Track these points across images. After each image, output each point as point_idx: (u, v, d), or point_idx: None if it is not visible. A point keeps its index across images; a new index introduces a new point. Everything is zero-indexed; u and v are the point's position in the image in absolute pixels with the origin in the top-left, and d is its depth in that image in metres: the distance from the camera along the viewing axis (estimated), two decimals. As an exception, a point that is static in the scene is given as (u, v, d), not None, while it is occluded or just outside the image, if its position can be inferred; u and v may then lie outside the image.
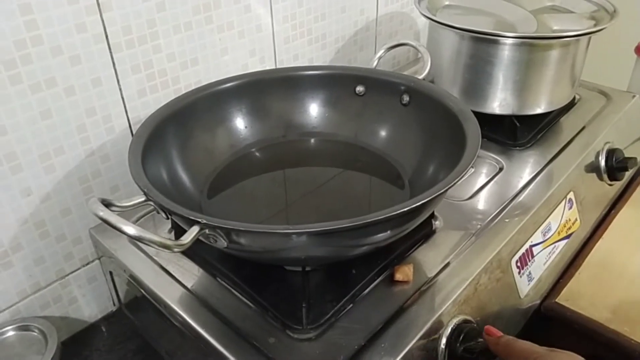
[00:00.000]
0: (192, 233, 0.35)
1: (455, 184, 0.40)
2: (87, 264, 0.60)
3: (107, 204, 0.35)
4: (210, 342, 0.42)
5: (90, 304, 0.62)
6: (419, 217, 0.42)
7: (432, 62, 0.73)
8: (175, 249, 0.34)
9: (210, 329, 0.44)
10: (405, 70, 0.87)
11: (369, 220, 0.36)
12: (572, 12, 0.72)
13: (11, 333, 0.53)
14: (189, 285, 0.48)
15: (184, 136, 0.51)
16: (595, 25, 0.66)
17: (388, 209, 0.37)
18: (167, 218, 0.41)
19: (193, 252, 0.51)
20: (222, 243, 0.38)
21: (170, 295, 0.47)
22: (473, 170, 0.63)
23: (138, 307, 0.56)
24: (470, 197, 0.59)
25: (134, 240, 0.34)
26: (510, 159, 0.65)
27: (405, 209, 0.37)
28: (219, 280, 0.48)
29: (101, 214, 0.33)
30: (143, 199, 0.39)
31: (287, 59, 0.72)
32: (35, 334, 0.53)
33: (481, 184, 0.61)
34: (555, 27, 0.67)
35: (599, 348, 0.53)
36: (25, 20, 0.46)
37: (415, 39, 0.92)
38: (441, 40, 0.71)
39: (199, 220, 0.35)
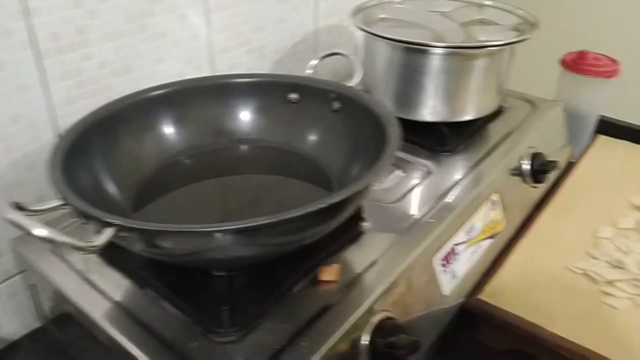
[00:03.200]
0: (105, 235, 0.35)
1: (371, 181, 0.42)
2: (9, 278, 0.58)
3: (21, 207, 0.35)
4: (130, 352, 0.42)
5: (12, 321, 0.59)
6: (338, 214, 0.44)
7: (367, 73, 0.76)
8: (88, 250, 0.34)
9: (132, 338, 0.43)
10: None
11: (287, 217, 0.38)
12: (498, 24, 0.76)
13: None
14: (114, 296, 0.47)
15: (110, 144, 0.51)
16: (517, 36, 0.69)
17: (305, 205, 0.38)
18: (85, 222, 0.41)
19: (119, 261, 0.51)
20: (139, 246, 0.38)
21: (94, 308, 0.46)
22: (404, 175, 0.66)
23: (63, 321, 0.54)
24: (399, 200, 0.61)
25: (45, 242, 0.34)
26: (439, 163, 0.68)
27: (320, 207, 0.38)
28: (144, 288, 0.48)
29: (10, 216, 0.33)
30: (58, 202, 0.39)
31: (225, 69, 0.73)
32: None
33: (409, 187, 0.63)
34: (481, 38, 0.71)
35: (520, 341, 0.56)
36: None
37: (354, 51, 0.95)
38: (376, 51, 0.73)
39: (113, 221, 0.36)
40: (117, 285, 0.49)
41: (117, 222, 0.36)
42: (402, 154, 0.70)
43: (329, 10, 0.86)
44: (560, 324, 0.55)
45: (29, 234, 0.33)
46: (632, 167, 0.82)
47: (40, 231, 0.33)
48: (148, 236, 0.37)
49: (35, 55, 0.53)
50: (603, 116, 0.94)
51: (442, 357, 0.57)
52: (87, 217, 0.37)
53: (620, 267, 0.62)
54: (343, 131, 0.56)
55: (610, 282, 0.60)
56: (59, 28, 0.54)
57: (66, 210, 0.40)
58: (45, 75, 0.54)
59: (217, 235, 0.38)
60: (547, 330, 0.54)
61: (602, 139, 0.91)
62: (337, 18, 0.89)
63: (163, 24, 0.63)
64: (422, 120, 0.72)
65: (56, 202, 0.39)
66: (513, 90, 0.87)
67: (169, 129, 0.57)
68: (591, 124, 0.94)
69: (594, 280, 0.61)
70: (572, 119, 0.91)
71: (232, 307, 0.44)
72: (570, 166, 0.84)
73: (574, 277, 0.61)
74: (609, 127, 0.94)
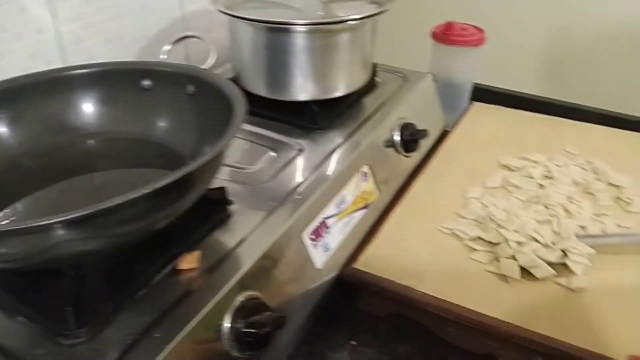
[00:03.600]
0: None
1: (212, 156, 0.41)
2: None
3: None
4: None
5: None
6: (185, 194, 0.42)
7: (235, 57, 0.75)
8: None
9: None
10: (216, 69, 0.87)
11: (110, 205, 0.36)
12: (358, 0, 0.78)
13: None
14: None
15: None
16: (375, 9, 0.71)
17: (139, 188, 0.37)
18: None
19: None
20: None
21: None
22: (275, 155, 0.66)
23: None
24: (269, 180, 0.61)
25: None
26: (312, 141, 0.68)
27: (157, 187, 0.37)
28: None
29: None
30: None
31: (80, 60, 0.68)
32: None
33: (280, 166, 0.63)
34: (340, 14, 0.72)
35: (395, 305, 0.58)
36: None
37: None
38: (240, 34, 0.72)
39: None
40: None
41: None
42: (275, 135, 0.70)
43: (195, -6, 0.84)
44: (430, 283, 0.57)
45: None
46: (503, 129, 0.87)
47: None
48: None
49: None
50: (477, 84, 0.99)
51: (324, 327, 0.57)
52: None
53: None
54: (197, 114, 0.55)
55: (474, 239, 0.63)
56: None
57: None
58: None
59: (42, 231, 0.36)
60: (417, 291, 0.56)
61: (476, 105, 0.96)
62: (205, 2, 0.87)
63: (-1, 17, 0.58)
64: (294, 100, 0.72)
65: None
66: (388, 65, 0.90)
67: (3, 131, 0.53)
68: (466, 92, 0.99)
69: (460, 238, 0.63)
70: (448, 88, 0.95)
71: (78, 307, 0.42)
72: (445, 134, 0.87)
73: (443, 238, 0.64)
74: (484, 94, 0.99)
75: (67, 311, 0.41)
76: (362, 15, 0.68)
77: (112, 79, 0.56)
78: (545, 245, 0.60)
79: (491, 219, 0.65)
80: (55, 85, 0.55)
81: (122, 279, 0.46)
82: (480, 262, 0.60)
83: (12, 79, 0.54)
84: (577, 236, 0.61)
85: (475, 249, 0.62)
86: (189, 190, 0.43)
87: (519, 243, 0.60)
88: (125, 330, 0.42)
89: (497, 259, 0.60)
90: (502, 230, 0.62)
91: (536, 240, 0.60)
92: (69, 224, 0.37)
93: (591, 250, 0.60)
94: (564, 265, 0.59)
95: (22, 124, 0.53)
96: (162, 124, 0.57)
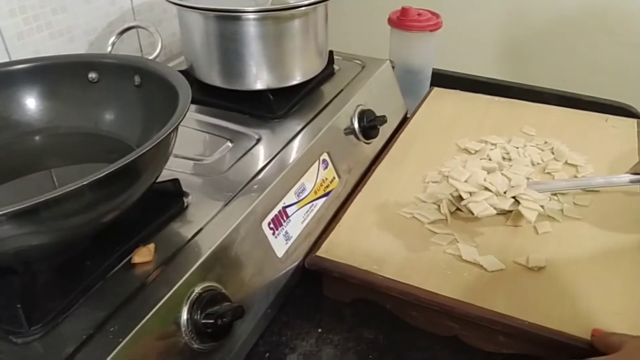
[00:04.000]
0: None
1: (154, 143, 0.40)
2: None
3: None
4: None
5: None
6: (131, 184, 0.41)
7: (187, 47, 0.73)
8: None
9: None
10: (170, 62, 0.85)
11: (67, 191, 0.35)
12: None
13: None
14: None
15: None
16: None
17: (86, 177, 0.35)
18: None
19: None
20: None
21: None
22: (231, 145, 0.64)
23: None
24: (226, 171, 0.60)
25: None
26: (269, 130, 0.68)
27: (100, 176, 0.36)
28: None
29: None
30: None
31: (26, 55, 0.66)
32: None
33: (238, 157, 0.62)
34: (290, 1, 0.71)
35: (359, 290, 0.58)
36: None
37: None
38: (191, 25, 0.71)
39: None
40: None
41: None
42: (231, 125, 0.68)
43: (145, -15, 0.82)
44: (391, 268, 0.57)
45: None
46: (462, 113, 0.88)
47: None
48: None
49: None
50: (437, 69, 1.00)
51: (290, 316, 0.57)
52: None
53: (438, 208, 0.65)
54: (143, 104, 0.53)
55: (433, 222, 0.63)
56: None
57: None
58: None
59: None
60: (378, 275, 0.56)
61: (436, 90, 0.96)
62: (158, -6, 0.85)
63: None
64: (250, 89, 0.71)
65: None
66: (347, 52, 0.89)
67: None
68: (426, 78, 0.99)
69: (421, 222, 0.64)
70: (407, 74, 0.96)
71: (30, 304, 0.40)
72: (405, 120, 0.87)
73: (403, 222, 0.64)
74: (444, 79, 1.00)
75: (17, 309, 0.39)
76: (311, 0, 0.67)
77: (56, 73, 0.54)
78: (497, 194, 0.61)
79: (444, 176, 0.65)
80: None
81: (75, 274, 0.44)
82: (441, 244, 0.60)
83: None
84: (527, 185, 0.63)
85: (435, 232, 0.62)
86: (135, 180, 0.42)
87: (470, 193, 0.60)
88: (80, 325, 0.41)
89: (456, 240, 0.60)
90: (453, 182, 0.62)
91: (488, 190, 0.61)
92: (12, 216, 0.35)
93: (541, 196, 0.61)
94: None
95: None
96: (109, 116, 0.55)
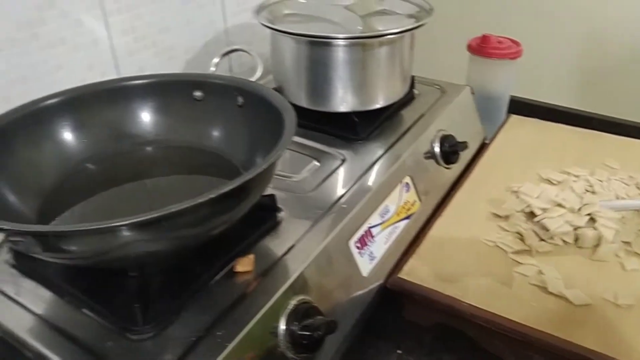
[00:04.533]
0: (-8, 241, 0.34)
1: (268, 165, 0.42)
2: None
3: None
4: (45, 355, 0.41)
5: None
6: (242, 200, 0.44)
7: (277, 69, 0.77)
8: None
9: (47, 343, 0.43)
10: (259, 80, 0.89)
11: (187, 206, 0.38)
12: (397, 13, 0.79)
13: None
14: (27, 305, 0.47)
15: (6, 157, 0.50)
16: (414, 23, 0.72)
17: (204, 194, 0.38)
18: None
19: (32, 270, 0.50)
20: (37, 250, 0.37)
21: (7, 317, 0.46)
22: (318, 165, 0.67)
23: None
24: (314, 189, 0.62)
25: None
26: (353, 151, 0.70)
27: (221, 192, 0.39)
28: (59, 295, 0.48)
29: None
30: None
31: (132, 72, 0.71)
32: None
33: (324, 176, 0.64)
34: (379, 28, 0.73)
35: (441, 315, 0.58)
36: None
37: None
38: (282, 47, 0.74)
39: (2, 227, 0.35)
40: (31, 294, 0.48)
41: (6, 227, 0.34)
42: (318, 145, 0.71)
43: (236, 8, 0.87)
44: (474, 294, 0.57)
45: None
46: (541, 143, 0.87)
47: None
48: (40, 239, 0.36)
49: None
50: (514, 96, 1.00)
51: (371, 335, 0.58)
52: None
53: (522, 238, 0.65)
54: (248, 124, 0.57)
55: (517, 252, 0.63)
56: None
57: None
58: None
59: (117, 232, 0.38)
60: (462, 302, 0.56)
61: (514, 118, 0.96)
62: (247, 15, 0.89)
63: (57, 30, 0.61)
64: (335, 111, 0.73)
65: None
66: (426, 77, 0.91)
67: (67, 137, 0.56)
68: (503, 104, 0.99)
69: (504, 251, 0.64)
70: (485, 101, 0.96)
71: (145, 304, 0.44)
72: (484, 146, 0.87)
73: (486, 249, 0.64)
74: (521, 107, 1.00)
75: (136, 308, 0.42)
76: (401, 29, 0.70)
77: (167, 90, 0.59)
78: (571, 210, 0.59)
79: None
80: (115, 95, 0.57)
81: (183, 279, 0.47)
82: (526, 275, 0.60)
83: (77, 88, 0.57)
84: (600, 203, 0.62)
85: (519, 263, 0.62)
86: (247, 197, 0.44)
87: (543, 209, 0.60)
88: (189, 327, 0.44)
89: (541, 272, 0.60)
90: (524, 197, 0.62)
91: (561, 206, 0.60)
92: (136, 226, 0.39)
93: (617, 215, 0.59)
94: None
95: (85, 131, 0.56)
96: (214, 133, 0.59)
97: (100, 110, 0.57)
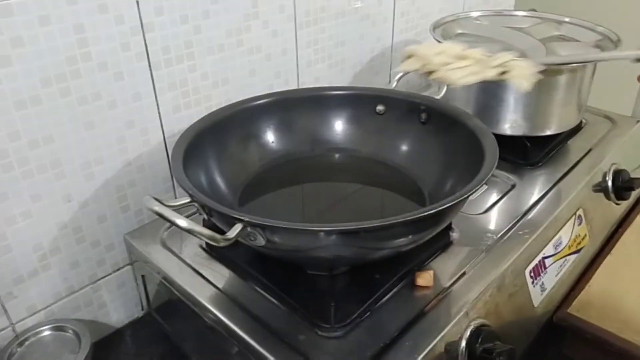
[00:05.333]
0: (236, 230, 0.38)
1: (472, 193, 0.43)
2: (118, 269, 0.62)
3: (159, 202, 0.39)
4: (243, 339, 0.45)
5: (118, 310, 0.64)
6: (437, 224, 0.45)
7: (447, 86, 0.77)
8: (222, 243, 0.37)
9: (243, 326, 0.46)
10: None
11: (390, 222, 0.40)
12: (578, 40, 0.77)
13: (47, 332, 0.56)
14: (220, 286, 0.51)
15: (220, 147, 0.55)
16: (601, 52, 0.69)
17: (408, 213, 0.40)
18: (208, 218, 0.44)
19: (223, 256, 0.54)
20: (261, 241, 0.41)
21: (204, 295, 0.50)
22: (486, 187, 0.66)
23: (168, 310, 0.58)
24: (485, 212, 0.62)
25: (185, 231, 0.37)
26: (521, 177, 0.68)
27: (423, 214, 0.40)
28: (249, 282, 0.51)
29: (156, 208, 0.37)
30: (188, 200, 0.42)
31: (309, 81, 0.76)
32: (70, 334, 0.56)
33: (495, 199, 0.64)
34: (562, 54, 0.71)
35: (610, 357, 0.55)
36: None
37: (427, 65, 0.97)
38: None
39: (242, 218, 0.39)
40: (223, 277, 0.52)
41: (245, 218, 0.38)
42: (483, 167, 0.70)
43: (404, 25, 0.89)
44: (654, 341, 0.54)
45: (173, 224, 0.36)
46: None
47: (183, 222, 0.36)
48: (269, 232, 0.40)
49: (149, 67, 0.57)
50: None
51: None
52: (215, 213, 0.40)
53: None
54: (433, 143, 0.58)
55: None
56: (169, 42, 0.58)
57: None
58: (155, 85, 0.58)
59: (326, 235, 0.41)
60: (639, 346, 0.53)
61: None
62: (412, 33, 0.91)
63: (257, 39, 0.66)
64: (504, 133, 0.72)
65: (185, 200, 0.42)
66: (591, 106, 0.87)
67: (269, 136, 0.61)
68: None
69: (685, 299, 0.59)
70: (651, 136, 0.90)
71: (336, 304, 0.46)
72: (652, 185, 0.82)
73: (664, 294, 0.60)
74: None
75: (332, 307, 0.45)
76: (590, 59, 0.67)
77: (356, 102, 0.62)
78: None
79: None
80: (315, 102, 0.62)
81: (365, 285, 0.49)
82: None
83: (284, 92, 0.62)
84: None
85: None
86: (441, 221, 0.45)
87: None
88: (374, 333, 0.45)
89: None
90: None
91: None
92: (339, 233, 0.41)
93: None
94: None
95: (286, 131, 0.61)
96: (400, 148, 0.61)
97: (300, 115, 0.61)
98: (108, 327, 0.64)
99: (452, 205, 0.42)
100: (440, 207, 0.41)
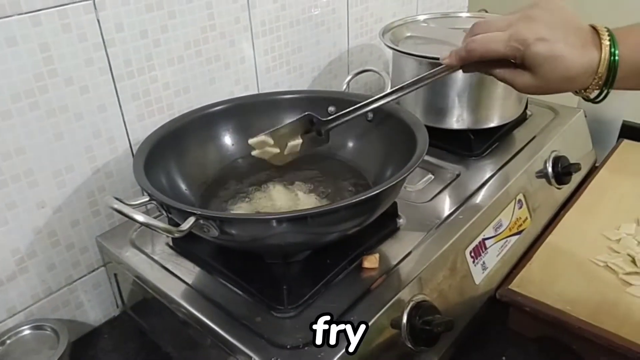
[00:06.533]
0: (189, 222, 0.43)
1: (404, 177, 0.48)
2: (93, 271, 0.66)
3: (120, 201, 0.43)
4: (208, 325, 0.50)
5: (95, 309, 0.68)
6: (376, 207, 0.50)
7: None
8: (177, 234, 0.42)
9: (207, 314, 0.51)
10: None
11: (334, 207, 0.45)
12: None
13: (27, 332, 0.60)
14: (186, 280, 0.56)
15: (180, 151, 0.60)
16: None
17: (349, 198, 0.45)
18: (167, 215, 0.49)
19: (188, 252, 0.59)
20: (214, 232, 0.45)
21: (172, 289, 0.55)
22: (433, 177, 0.72)
23: (142, 307, 0.63)
24: (430, 200, 0.67)
25: (144, 225, 0.42)
26: (466, 167, 0.74)
27: (361, 198, 0.45)
28: (212, 274, 0.56)
29: (115, 205, 0.41)
30: (147, 198, 0.47)
31: (269, 87, 0.81)
32: (48, 332, 0.60)
33: (440, 188, 0.69)
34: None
35: (548, 327, 0.61)
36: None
37: (384, 67, 1.02)
38: (404, 67, 0.80)
39: (194, 212, 0.43)
40: (189, 271, 0.57)
41: (197, 212, 0.43)
42: (432, 159, 0.76)
43: (359, 30, 0.94)
44: (584, 310, 0.59)
45: (131, 219, 0.41)
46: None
47: (140, 217, 0.41)
48: (220, 223, 0.45)
49: (112, 80, 0.61)
50: (626, 121, 0.99)
51: (475, 343, 0.62)
52: (172, 209, 0.45)
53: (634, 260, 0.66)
54: (377, 138, 0.63)
55: (629, 274, 0.64)
56: (131, 55, 0.62)
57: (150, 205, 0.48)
58: (119, 96, 0.62)
59: (274, 222, 0.46)
60: (573, 316, 0.59)
61: (626, 142, 0.95)
62: (367, 37, 0.96)
63: (215, 49, 0.71)
64: (450, 128, 0.78)
65: (144, 199, 0.47)
66: (537, 99, 0.93)
67: (227, 139, 0.66)
68: (615, 129, 0.98)
69: (614, 272, 0.65)
70: (596, 124, 0.96)
71: (289, 288, 0.51)
72: (594, 169, 0.88)
73: (596, 269, 0.66)
74: (633, 132, 0.98)
75: (284, 290, 0.50)
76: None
77: (308, 104, 0.66)
78: None
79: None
80: (269, 106, 0.67)
81: (317, 270, 0.54)
82: (637, 296, 0.61)
83: (238, 98, 0.67)
84: None
85: (631, 284, 0.63)
86: (380, 205, 0.51)
87: None
88: (322, 311, 0.50)
89: (655, 294, 0.61)
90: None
91: None
92: (289, 220, 0.46)
93: None
94: None
95: (242, 134, 0.66)
96: (348, 144, 0.66)
97: (256, 118, 0.66)
98: (86, 326, 0.68)
99: (385, 189, 0.47)
100: (373, 192, 0.47)
